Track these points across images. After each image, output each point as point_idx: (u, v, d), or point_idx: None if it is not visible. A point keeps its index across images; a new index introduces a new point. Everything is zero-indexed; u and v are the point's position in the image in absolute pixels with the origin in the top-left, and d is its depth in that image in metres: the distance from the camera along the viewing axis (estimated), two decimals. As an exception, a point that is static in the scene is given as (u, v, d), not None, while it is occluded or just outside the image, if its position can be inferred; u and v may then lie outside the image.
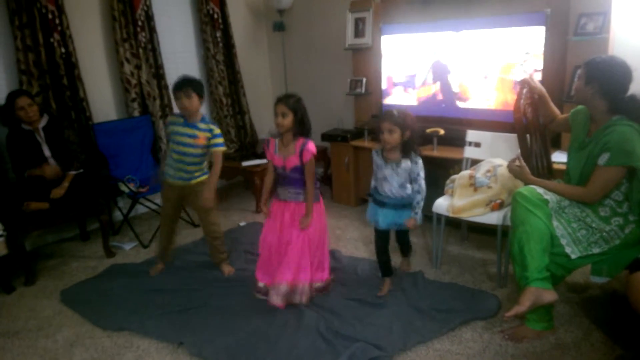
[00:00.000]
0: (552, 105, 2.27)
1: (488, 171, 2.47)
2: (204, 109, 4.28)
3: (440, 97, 3.30)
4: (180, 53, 4.07)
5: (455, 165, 2.94)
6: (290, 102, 2.18)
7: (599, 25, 2.55)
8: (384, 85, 3.58)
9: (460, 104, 3.21)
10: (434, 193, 2.63)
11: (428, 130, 3.09)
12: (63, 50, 3.19)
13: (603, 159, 1.87)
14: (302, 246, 2.27)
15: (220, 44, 4.14)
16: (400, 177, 2.25)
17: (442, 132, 3.08)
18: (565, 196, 1.99)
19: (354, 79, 3.81)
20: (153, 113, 3.68)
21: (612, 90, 1.87)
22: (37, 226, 2.91)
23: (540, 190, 1.97)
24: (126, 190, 3.15)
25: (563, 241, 1.92)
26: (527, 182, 2.08)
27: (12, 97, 2.78)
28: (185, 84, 2.43)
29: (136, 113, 3.61)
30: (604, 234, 1.92)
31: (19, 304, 2.55)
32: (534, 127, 2.30)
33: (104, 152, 3.33)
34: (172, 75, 3.68)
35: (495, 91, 3.01)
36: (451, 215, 2.45)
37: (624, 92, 1.87)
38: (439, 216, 2.53)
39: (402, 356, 1.94)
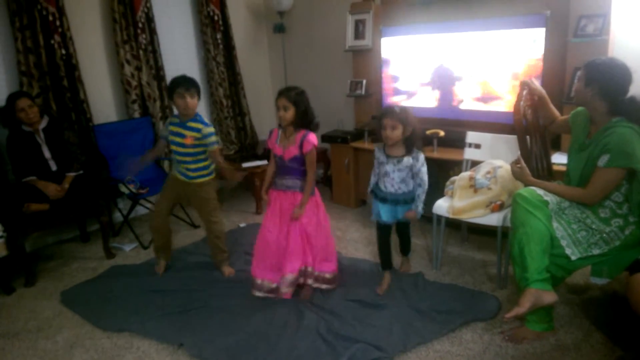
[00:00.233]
0: (552, 106, 2.28)
1: (488, 172, 2.47)
2: (203, 110, 4.31)
3: (441, 98, 3.31)
4: (180, 55, 4.08)
5: (455, 167, 2.94)
6: (292, 95, 2.19)
7: (599, 27, 2.55)
8: (384, 87, 3.58)
9: (460, 106, 3.22)
10: (434, 194, 2.64)
11: (428, 132, 3.09)
12: (63, 51, 3.19)
13: (603, 160, 1.88)
14: (300, 235, 2.31)
15: (221, 46, 4.14)
16: (401, 172, 2.26)
17: (442, 133, 3.08)
18: (565, 197, 2.00)
19: (354, 80, 3.82)
20: (153, 114, 3.68)
21: (612, 92, 1.87)
22: (37, 227, 2.90)
23: (540, 191, 1.98)
24: (126, 191, 3.15)
25: (563, 242, 1.92)
26: (527, 184, 2.09)
27: (12, 98, 2.78)
28: (192, 84, 2.44)
29: (136, 114, 3.61)
30: (604, 235, 1.92)
31: (18, 305, 2.55)
32: (533, 128, 2.30)
33: (104, 153, 3.34)
34: (172, 77, 3.69)
35: (495, 93, 3.01)
36: (451, 216, 2.45)
37: (624, 94, 1.88)
38: (439, 217, 2.53)
39: (402, 357, 1.94)
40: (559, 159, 2.56)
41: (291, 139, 2.26)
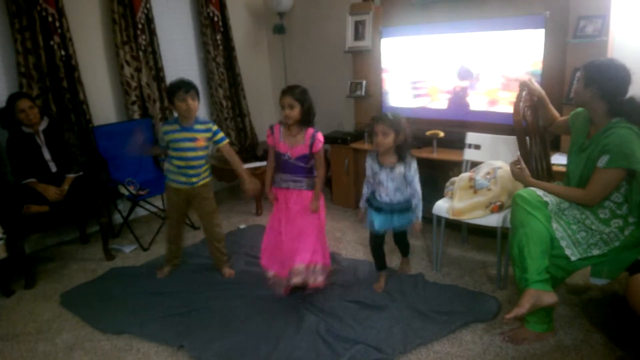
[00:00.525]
0: (551, 107, 2.28)
1: (488, 173, 2.47)
2: (203, 111, 4.31)
3: (440, 99, 3.31)
4: (180, 56, 4.08)
5: (455, 168, 2.94)
6: (297, 93, 2.20)
7: (598, 28, 2.55)
8: (384, 88, 3.58)
9: (459, 106, 3.22)
10: (433, 195, 2.64)
11: (428, 133, 3.09)
12: (63, 52, 3.19)
13: (602, 161, 1.88)
14: (316, 230, 2.31)
15: (221, 47, 4.15)
16: (395, 181, 2.26)
17: (441, 134, 3.08)
18: (565, 198, 2.00)
19: (354, 81, 3.82)
20: (153, 116, 3.68)
21: (611, 93, 1.87)
22: (36, 229, 2.90)
23: (539, 192, 1.98)
24: (126, 193, 3.15)
25: (563, 243, 1.92)
26: (526, 184, 2.09)
27: (12, 99, 2.78)
28: (191, 86, 2.43)
29: (136, 116, 3.61)
30: (604, 235, 1.92)
31: (18, 307, 2.54)
32: (533, 129, 2.30)
33: (104, 154, 3.33)
34: (172, 78, 3.67)
35: (495, 93, 3.01)
36: (451, 217, 2.45)
37: (623, 95, 1.88)
38: (439, 218, 2.53)
39: (402, 358, 1.94)
40: (559, 160, 2.56)
41: (298, 138, 2.25)
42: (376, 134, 2.20)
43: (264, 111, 4.73)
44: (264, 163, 3.76)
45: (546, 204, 1.94)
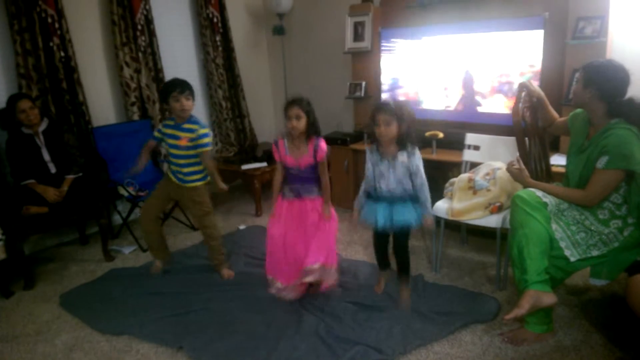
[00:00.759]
0: (550, 108, 2.28)
1: (487, 174, 2.47)
2: (203, 112, 4.32)
3: (439, 99, 3.31)
4: (180, 57, 4.08)
5: (454, 168, 2.94)
6: (304, 105, 2.20)
7: (597, 29, 2.56)
8: (382, 89, 3.59)
9: (459, 107, 3.22)
10: (433, 196, 2.63)
11: (427, 134, 3.09)
12: (62, 54, 3.19)
13: (601, 162, 1.88)
14: (332, 233, 2.33)
15: (220, 48, 4.15)
16: (397, 172, 2.10)
17: (441, 135, 3.09)
18: (564, 199, 2.00)
19: (353, 82, 3.82)
20: (152, 117, 3.68)
21: (610, 94, 1.88)
22: (36, 230, 2.90)
23: (539, 193, 1.98)
24: (125, 194, 3.15)
25: (562, 244, 1.92)
26: (526, 185, 2.09)
27: (13, 100, 2.78)
28: (186, 86, 2.46)
29: (136, 117, 3.61)
30: (603, 236, 1.92)
31: (17, 308, 2.54)
32: (532, 130, 2.30)
33: (104, 155, 3.33)
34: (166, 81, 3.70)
35: (494, 95, 3.02)
36: (450, 218, 2.45)
37: (622, 96, 1.88)
38: (439, 219, 2.53)
39: (402, 359, 1.94)
40: (558, 161, 2.57)
41: (302, 149, 2.25)
42: (378, 123, 2.05)
43: (263, 112, 4.73)
44: (263, 164, 3.76)
45: (545, 204, 1.95)
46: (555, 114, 2.30)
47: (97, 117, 3.49)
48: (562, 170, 2.23)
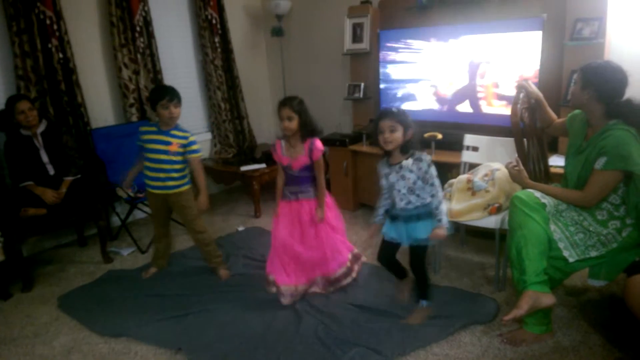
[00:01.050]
0: (548, 109, 2.29)
1: (486, 175, 2.47)
2: (202, 114, 4.32)
3: (439, 101, 3.32)
4: (178, 58, 4.08)
5: (453, 170, 2.95)
6: (295, 105, 2.21)
7: (595, 30, 2.56)
8: (381, 90, 3.59)
9: (458, 108, 3.23)
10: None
11: (426, 135, 3.09)
12: (61, 55, 3.19)
13: (600, 163, 1.88)
14: (330, 234, 2.37)
15: (219, 49, 4.15)
16: (406, 180, 2.00)
17: (439, 136, 3.09)
18: (563, 200, 2.00)
19: (352, 83, 3.82)
20: (151, 118, 3.67)
21: (608, 95, 1.88)
22: (34, 232, 2.90)
23: (537, 194, 1.98)
24: (124, 195, 3.15)
25: (561, 245, 1.92)
26: (524, 186, 2.09)
27: (12, 101, 2.78)
28: (176, 94, 2.47)
29: (134, 118, 3.61)
30: (602, 237, 1.93)
31: (15, 310, 2.53)
32: (531, 131, 2.31)
33: (102, 157, 3.33)
34: (170, 81, 3.69)
35: (493, 95, 3.02)
36: (449, 219, 2.45)
37: (620, 97, 1.89)
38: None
39: (401, 361, 1.94)
40: (556, 162, 2.57)
41: (298, 149, 2.27)
42: (382, 130, 1.98)
43: (262, 113, 4.73)
44: (262, 165, 3.76)
45: (544, 205, 1.95)
46: (553, 115, 2.30)
47: (96, 118, 3.49)
48: (561, 171, 2.23)
